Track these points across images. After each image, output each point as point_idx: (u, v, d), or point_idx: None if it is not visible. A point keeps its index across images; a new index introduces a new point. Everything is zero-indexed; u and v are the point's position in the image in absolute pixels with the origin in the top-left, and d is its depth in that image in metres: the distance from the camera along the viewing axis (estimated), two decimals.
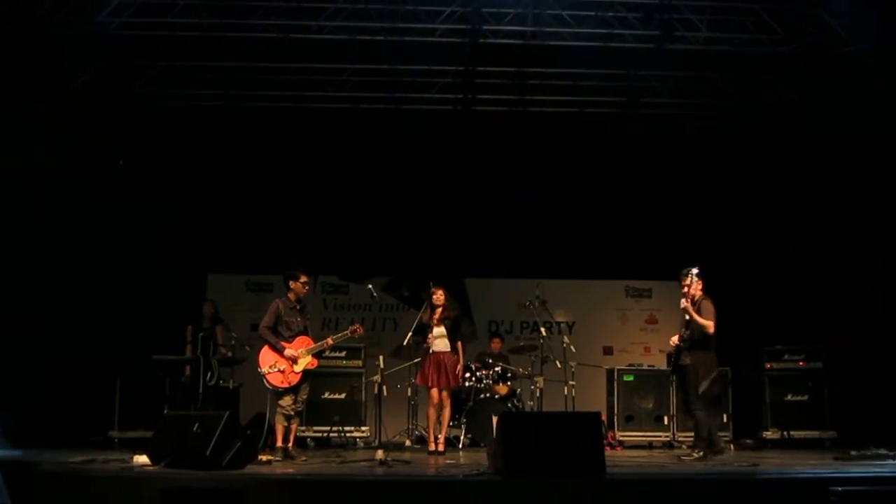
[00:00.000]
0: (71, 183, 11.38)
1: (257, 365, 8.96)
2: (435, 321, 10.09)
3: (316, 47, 11.27)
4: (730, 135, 12.45)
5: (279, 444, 8.88)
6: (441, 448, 10.07)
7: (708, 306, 9.28)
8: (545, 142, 12.62)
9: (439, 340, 10.07)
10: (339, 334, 9.37)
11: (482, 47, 11.39)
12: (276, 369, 8.88)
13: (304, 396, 9.20)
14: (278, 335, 8.99)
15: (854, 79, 10.81)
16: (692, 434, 10.85)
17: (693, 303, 9.27)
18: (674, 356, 9.50)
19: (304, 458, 8.81)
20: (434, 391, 10.05)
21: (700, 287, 9.36)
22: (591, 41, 11.36)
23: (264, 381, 8.92)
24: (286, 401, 8.93)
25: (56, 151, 10.95)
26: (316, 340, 9.15)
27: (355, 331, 9.34)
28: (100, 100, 11.63)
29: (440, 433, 10.19)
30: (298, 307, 9.26)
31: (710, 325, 9.19)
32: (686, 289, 9.33)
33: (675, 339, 9.43)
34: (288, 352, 8.90)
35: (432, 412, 10.16)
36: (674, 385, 10.95)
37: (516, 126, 12.63)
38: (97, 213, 11.77)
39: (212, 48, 11.31)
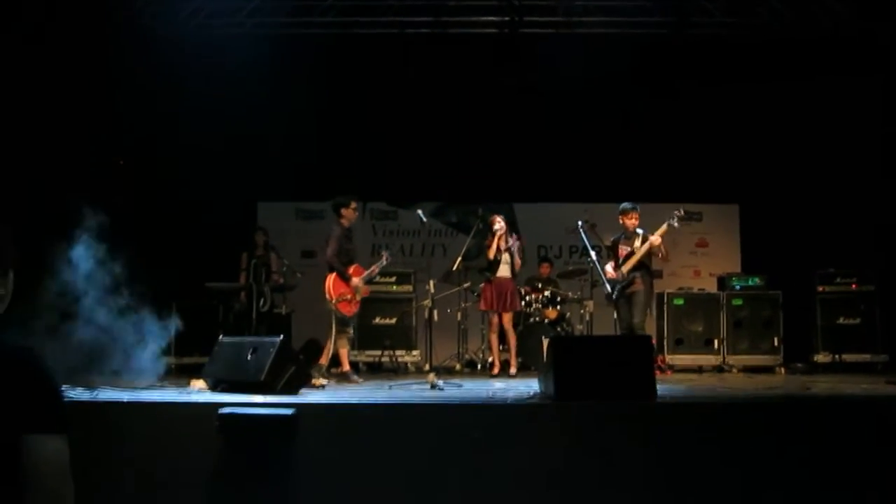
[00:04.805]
0: (129, 116, 11.45)
1: (326, 293, 9.12)
2: (501, 249, 10.10)
3: None
4: (781, 55, 12.11)
5: (345, 368, 9.13)
6: (513, 371, 10.23)
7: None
8: (592, 64, 12.38)
9: (503, 267, 10.13)
10: (378, 263, 9.83)
11: None
12: (344, 298, 9.08)
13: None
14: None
15: None
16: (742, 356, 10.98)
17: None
18: (618, 287, 9.80)
19: (361, 380, 9.06)
20: (494, 317, 10.15)
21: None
22: None
23: (334, 308, 9.09)
24: (348, 328, 9.20)
25: (106, 84, 11.00)
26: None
27: (387, 258, 9.92)
28: (142, 24, 11.59)
29: (510, 356, 10.33)
30: (349, 235, 9.43)
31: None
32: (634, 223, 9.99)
33: (611, 273, 9.84)
34: (354, 281, 9.15)
35: (493, 338, 10.31)
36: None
37: (564, 49, 12.40)
38: (148, 145, 11.88)
39: None
